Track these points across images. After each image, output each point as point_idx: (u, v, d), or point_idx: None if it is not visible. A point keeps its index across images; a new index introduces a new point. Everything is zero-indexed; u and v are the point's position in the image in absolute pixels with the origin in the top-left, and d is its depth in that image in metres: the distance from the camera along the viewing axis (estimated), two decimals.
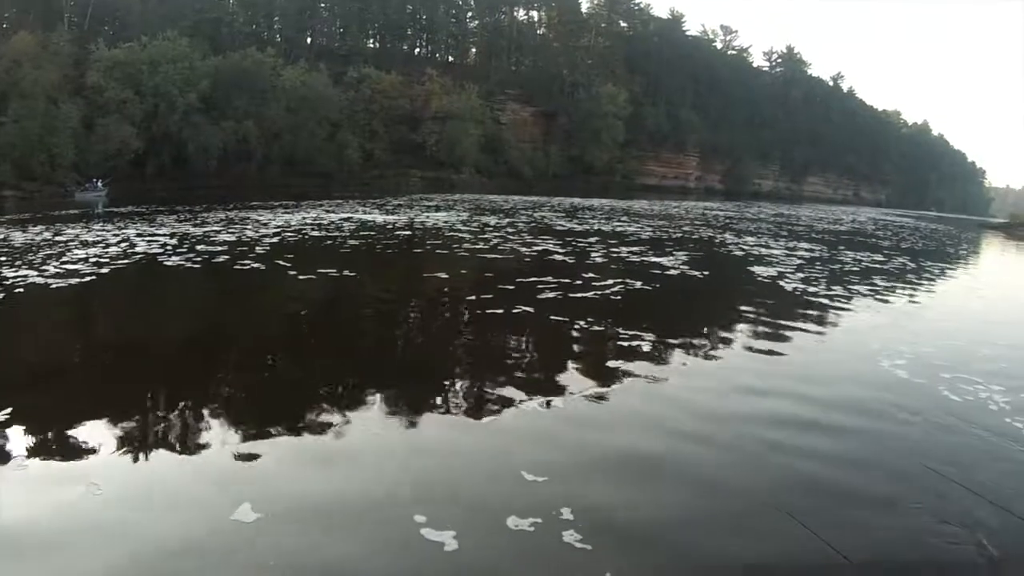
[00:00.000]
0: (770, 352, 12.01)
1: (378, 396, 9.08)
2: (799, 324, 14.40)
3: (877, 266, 26.27)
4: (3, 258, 18.57)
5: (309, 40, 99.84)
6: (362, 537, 5.70)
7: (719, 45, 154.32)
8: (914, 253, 34.24)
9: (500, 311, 14.20)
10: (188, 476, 6.65)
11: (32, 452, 7.05)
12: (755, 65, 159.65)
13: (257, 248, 21.72)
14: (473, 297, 15.80)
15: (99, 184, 50.68)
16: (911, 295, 19.96)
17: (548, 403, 8.85)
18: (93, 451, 7.14)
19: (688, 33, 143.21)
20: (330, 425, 7.96)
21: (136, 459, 7.02)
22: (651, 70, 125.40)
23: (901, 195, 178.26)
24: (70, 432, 7.58)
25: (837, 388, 10.08)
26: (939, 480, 6.97)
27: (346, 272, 18.11)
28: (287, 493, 6.30)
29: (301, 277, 17.24)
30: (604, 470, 6.99)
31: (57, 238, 23.46)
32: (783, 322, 14.44)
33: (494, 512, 5.99)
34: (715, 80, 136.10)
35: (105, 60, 62.13)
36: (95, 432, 7.61)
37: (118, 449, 7.20)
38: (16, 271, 16.49)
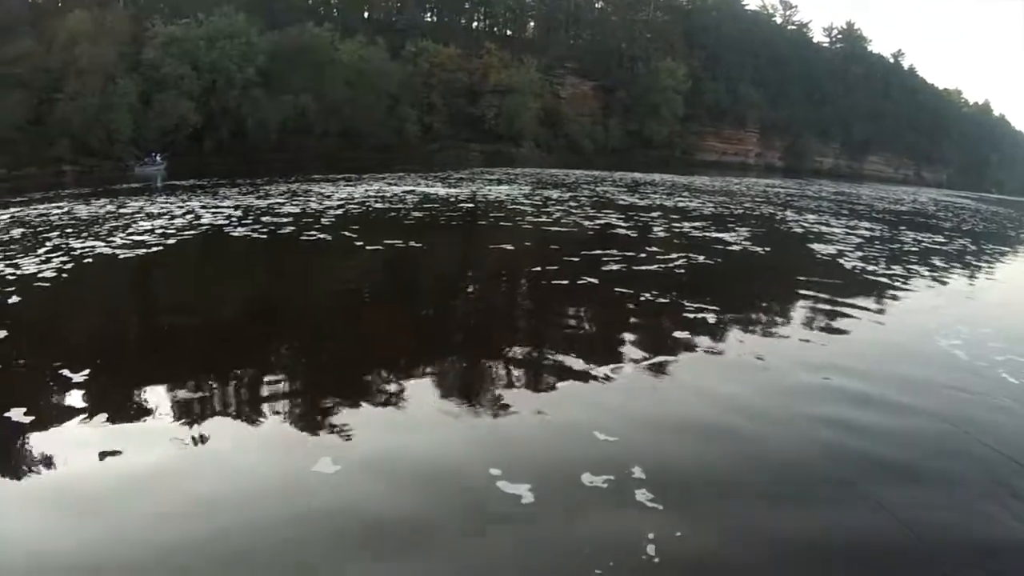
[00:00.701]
0: (828, 328, 11.86)
1: (448, 362, 9.39)
2: (858, 302, 14.04)
3: (938, 247, 25.59)
4: (70, 230, 18.89)
5: (366, 15, 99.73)
6: (440, 488, 5.89)
7: (779, 20, 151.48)
8: (975, 235, 33.32)
9: (565, 282, 14.25)
10: (268, 434, 6.88)
11: (121, 411, 7.27)
12: (815, 41, 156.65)
13: (322, 219, 21.83)
14: (538, 268, 15.75)
15: (158, 158, 51.25)
16: (971, 277, 19.57)
17: (615, 371, 8.91)
18: (187, 410, 7.36)
19: (747, 7, 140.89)
20: (403, 389, 8.09)
21: (222, 417, 7.22)
22: (710, 45, 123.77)
23: (962, 176, 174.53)
24: (169, 394, 7.90)
25: (893, 366, 9.82)
26: (994, 456, 6.89)
27: (412, 243, 18.13)
28: (364, 451, 6.49)
29: (368, 247, 17.37)
30: (670, 436, 7.08)
31: (121, 210, 23.81)
32: (842, 299, 14.12)
33: (569, 469, 6.12)
34: (774, 56, 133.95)
35: (162, 36, 62.48)
36: (187, 392, 7.92)
37: (208, 408, 7.44)
38: (83, 242, 16.75)
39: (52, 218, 21.65)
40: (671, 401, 8.06)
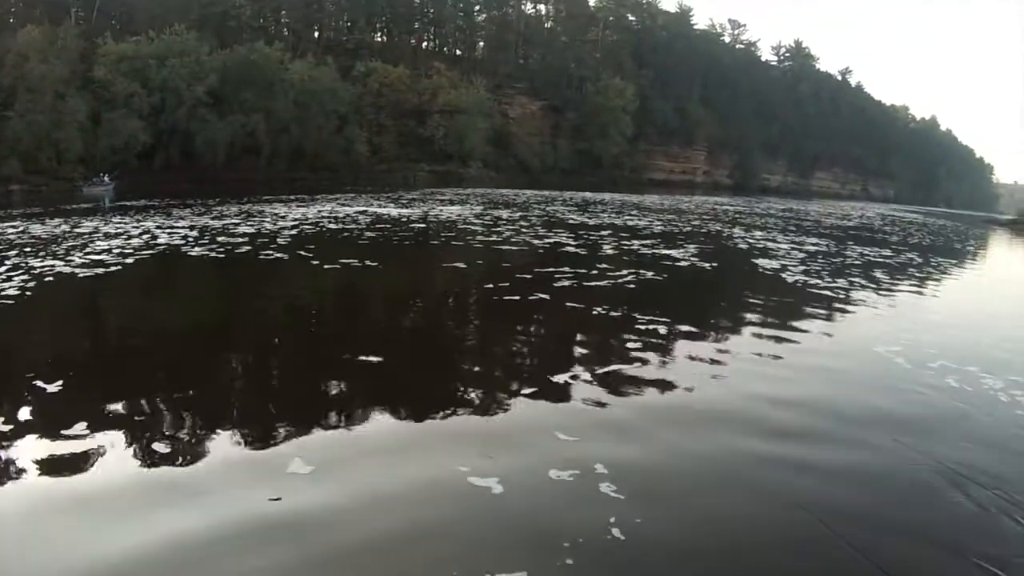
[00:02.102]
0: (776, 339, 12.33)
1: (408, 374, 9.68)
2: (803, 315, 14.75)
3: (885, 261, 26.47)
4: (28, 249, 18.94)
5: (316, 34, 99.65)
6: (413, 485, 6.23)
7: (727, 39, 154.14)
8: (922, 249, 34.37)
9: (517, 297, 14.72)
10: (225, 450, 6.99)
11: (86, 424, 7.43)
12: (763, 59, 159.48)
13: (278, 239, 22.07)
14: (490, 285, 16.17)
15: (106, 179, 50.90)
16: (917, 289, 20.36)
17: (571, 379, 9.38)
18: (145, 425, 7.72)
19: (696, 27, 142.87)
20: (375, 397, 8.47)
21: (181, 433, 7.51)
22: (659, 64, 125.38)
23: (909, 191, 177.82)
24: (130, 408, 8.12)
25: (833, 375, 10.39)
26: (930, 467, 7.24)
27: (367, 262, 18.48)
28: (341, 456, 6.80)
29: (326, 266, 17.70)
30: (624, 438, 7.46)
31: (77, 230, 23.85)
32: (787, 312, 14.99)
33: (535, 466, 6.60)
34: (723, 74, 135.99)
35: (112, 54, 62.21)
36: (147, 406, 8.25)
37: (165, 423, 7.74)
38: (42, 261, 16.86)
39: (8, 237, 21.63)
40: (623, 406, 8.48)
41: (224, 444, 6.99)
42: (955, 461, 7.13)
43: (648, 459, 6.98)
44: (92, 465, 6.46)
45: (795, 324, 13.60)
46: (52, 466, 6.42)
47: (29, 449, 6.71)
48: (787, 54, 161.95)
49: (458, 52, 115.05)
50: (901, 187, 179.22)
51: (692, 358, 10.75)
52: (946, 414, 8.80)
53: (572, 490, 6.16)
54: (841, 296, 17.07)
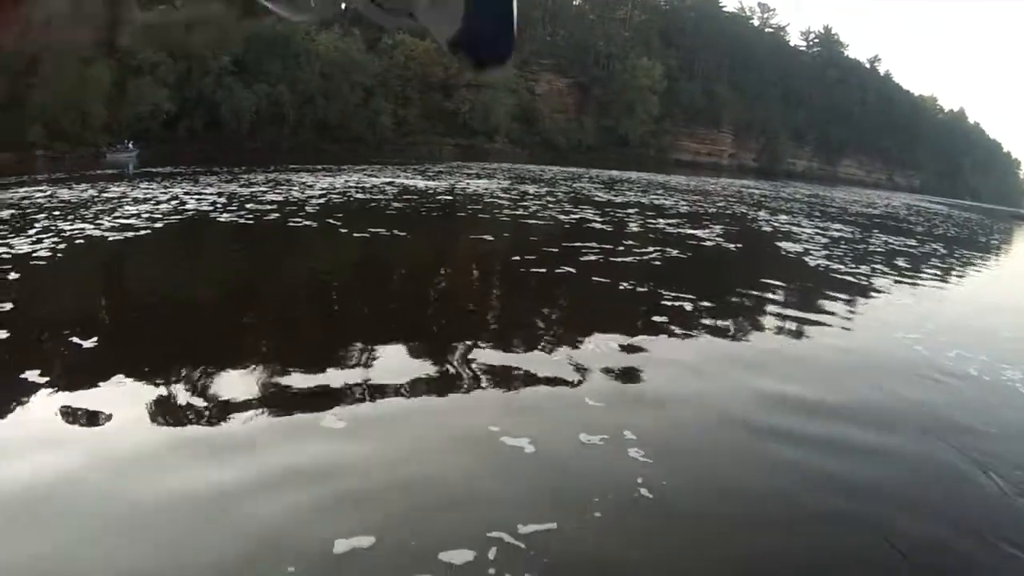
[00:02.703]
0: (798, 321, 12.38)
1: (439, 338, 9.94)
2: (825, 299, 14.77)
3: (909, 250, 26.32)
4: (56, 212, 19.06)
5: (343, 5, 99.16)
6: (448, 443, 6.46)
7: (756, 23, 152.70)
8: (946, 240, 34.11)
9: (544, 271, 14.85)
10: (254, 418, 7.05)
11: (127, 378, 7.68)
12: (792, 44, 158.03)
13: (306, 207, 22.15)
14: (518, 258, 16.22)
15: (130, 145, 51.04)
16: (941, 279, 20.22)
17: (599, 346, 9.61)
18: (182, 385, 7.83)
19: (725, 9, 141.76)
20: (405, 360, 8.62)
21: (214, 391, 7.63)
22: (687, 45, 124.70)
23: (934, 182, 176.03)
24: (166, 367, 8.30)
25: (854, 360, 10.42)
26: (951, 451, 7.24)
27: (395, 231, 18.54)
28: (372, 414, 6.98)
29: (355, 234, 17.82)
30: (652, 406, 7.67)
31: (104, 195, 23.96)
32: (809, 295, 15.10)
33: (566, 428, 6.78)
34: (751, 58, 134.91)
35: (138, 22, 61.88)
36: (182, 366, 8.33)
37: (200, 382, 7.92)
38: (72, 224, 16.98)
39: (37, 201, 21.80)
40: (650, 378, 8.60)
41: (258, 402, 7.11)
42: (977, 448, 7.14)
43: (674, 429, 7.15)
44: (131, 421, 6.63)
45: (817, 307, 13.66)
46: (84, 421, 6.54)
47: (58, 405, 6.82)
48: (816, 40, 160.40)
49: None
50: (927, 178, 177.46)
51: (716, 336, 10.90)
52: (968, 402, 8.80)
53: (601, 452, 6.32)
54: (864, 283, 17.05)
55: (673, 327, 10.97)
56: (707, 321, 11.74)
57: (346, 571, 4.50)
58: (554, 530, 5.04)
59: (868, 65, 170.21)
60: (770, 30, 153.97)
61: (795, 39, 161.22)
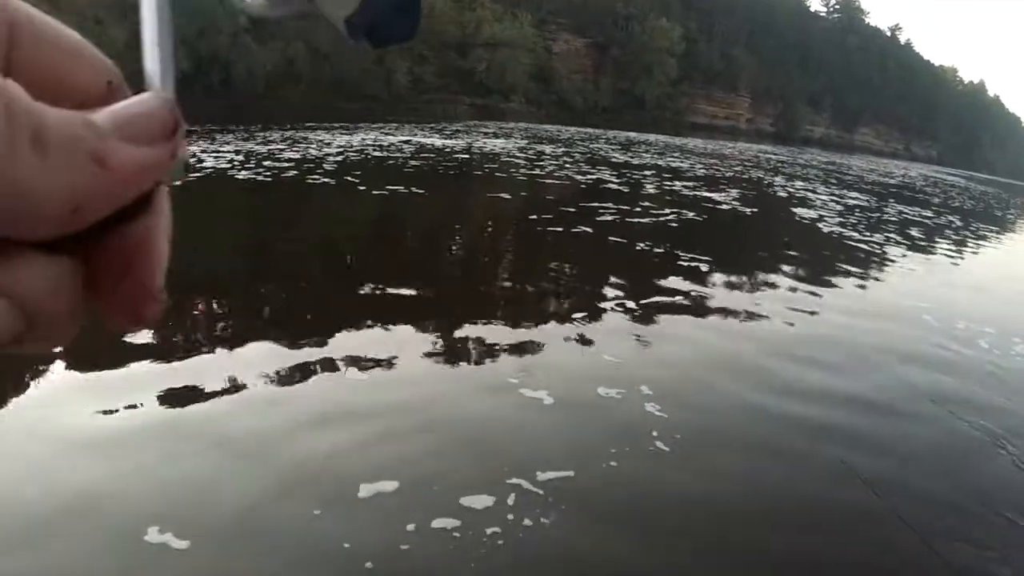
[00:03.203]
0: (810, 289, 12.40)
1: (461, 295, 10.13)
2: (838, 267, 14.86)
3: (924, 221, 26.21)
4: None
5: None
6: (466, 392, 6.68)
7: None
8: (963, 212, 33.93)
9: (560, 229, 14.98)
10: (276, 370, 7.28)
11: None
12: (812, 10, 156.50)
13: (324, 165, 22.14)
14: (535, 216, 16.36)
15: None
16: (956, 251, 20.25)
17: (616, 305, 9.75)
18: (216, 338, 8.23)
19: None
20: (423, 315, 8.75)
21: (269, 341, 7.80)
22: (706, 7, 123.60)
23: (952, 154, 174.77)
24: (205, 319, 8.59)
25: (868, 329, 10.44)
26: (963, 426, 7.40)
27: (414, 189, 18.59)
28: (393, 365, 7.07)
29: (373, 192, 17.85)
30: (668, 365, 7.81)
31: None
32: (823, 262, 15.19)
33: (583, 383, 6.99)
34: (771, 22, 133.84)
35: None
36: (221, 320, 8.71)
37: (239, 332, 8.29)
38: None
39: None
40: (667, 338, 8.77)
41: (286, 355, 7.24)
42: (988, 422, 7.22)
43: (688, 386, 7.29)
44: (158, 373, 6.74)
45: (829, 274, 13.77)
46: (130, 368, 6.69)
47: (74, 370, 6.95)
48: (837, 6, 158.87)
49: None
50: (944, 149, 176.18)
51: (730, 298, 11.04)
52: (978, 375, 8.83)
53: (617, 405, 6.49)
54: (877, 251, 17.11)
55: (689, 288, 11.13)
56: (722, 283, 11.88)
57: (370, 514, 4.65)
58: (571, 477, 5.21)
59: (889, 33, 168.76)
60: None
61: (815, 4, 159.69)
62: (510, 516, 4.70)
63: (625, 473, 5.38)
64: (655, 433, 5.97)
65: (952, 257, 18.71)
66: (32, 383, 6.20)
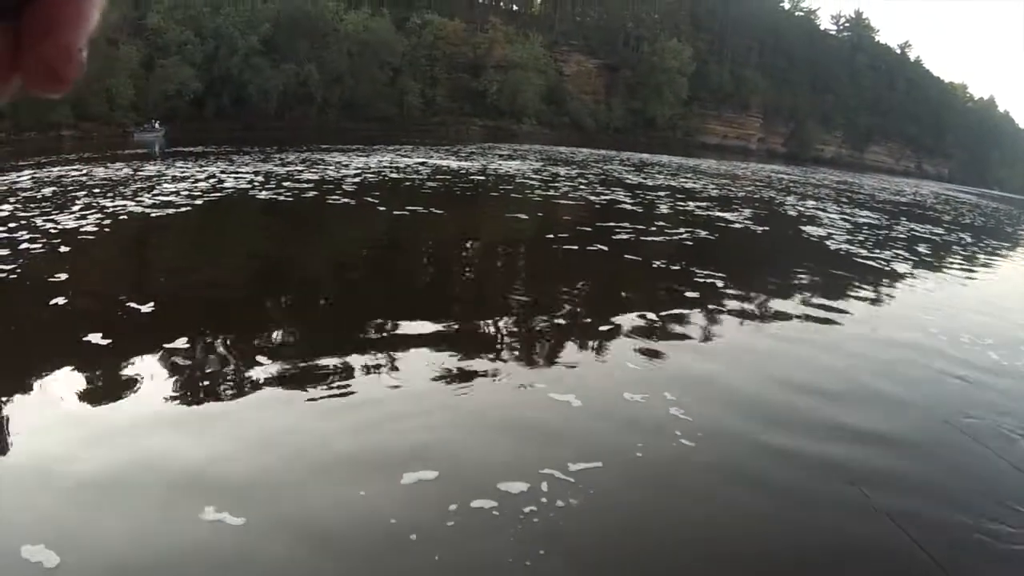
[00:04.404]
0: (823, 303, 12.53)
1: (482, 308, 10.56)
2: (849, 284, 14.94)
3: (935, 238, 26.17)
4: (96, 190, 19.38)
5: None
6: (498, 393, 7.22)
7: (787, 5, 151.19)
8: (974, 229, 33.90)
9: (576, 247, 15.33)
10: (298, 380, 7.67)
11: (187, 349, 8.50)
12: (822, 28, 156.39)
13: (343, 186, 22.52)
14: (551, 236, 16.71)
15: (156, 125, 51.21)
16: (968, 267, 20.14)
17: (639, 317, 10.13)
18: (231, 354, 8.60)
19: None
20: (450, 326, 9.14)
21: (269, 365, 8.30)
22: (716, 28, 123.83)
23: (963, 171, 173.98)
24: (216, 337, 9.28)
25: (877, 346, 10.51)
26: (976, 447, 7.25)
27: (432, 209, 18.89)
28: (422, 376, 7.49)
29: (394, 212, 18.20)
30: (695, 375, 8.18)
31: (140, 173, 24.30)
32: (833, 279, 15.25)
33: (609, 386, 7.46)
34: (781, 41, 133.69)
35: (166, 1, 62.72)
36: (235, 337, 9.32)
37: (249, 354, 8.76)
38: (113, 201, 17.34)
39: (75, 179, 22.16)
40: (687, 347, 9.20)
41: (336, 355, 7.66)
42: (993, 435, 7.28)
43: (710, 392, 7.61)
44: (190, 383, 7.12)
45: (841, 292, 13.91)
46: (148, 376, 7.17)
47: (120, 360, 7.27)
48: (846, 24, 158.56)
49: (515, 7, 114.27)
50: (955, 167, 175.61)
51: (745, 312, 11.43)
52: (985, 389, 8.76)
53: (642, 408, 6.91)
54: (887, 268, 17.19)
55: (705, 303, 11.49)
56: (736, 298, 12.17)
57: (414, 498, 5.12)
58: (600, 468, 5.64)
59: (898, 51, 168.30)
60: (800, 13, 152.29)
61: (825, 23, 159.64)
62: (543, 499, 5.14)
63: (650, 464, 5.84)
64: (678, 432, 6.36)
65: (964, 274, 18.70)
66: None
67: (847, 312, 11.98)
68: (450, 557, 4.55)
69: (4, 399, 6.47)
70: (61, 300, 9.32)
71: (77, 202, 17.10)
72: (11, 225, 13.96)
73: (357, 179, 24.91)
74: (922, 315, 12.30)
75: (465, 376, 7.45)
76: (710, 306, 11.28)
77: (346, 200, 19.41)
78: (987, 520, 5.61)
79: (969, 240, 27.76)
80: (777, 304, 12.21)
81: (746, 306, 11.80)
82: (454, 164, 35.38)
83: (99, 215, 15.34)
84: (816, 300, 12.64)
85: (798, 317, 11.34)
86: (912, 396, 8.21)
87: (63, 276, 10.44)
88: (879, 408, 7.60)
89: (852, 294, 13.65)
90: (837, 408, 7.42)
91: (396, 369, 7.46)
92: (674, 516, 5.33)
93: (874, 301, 13.52)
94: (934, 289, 15.46)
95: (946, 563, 4.97)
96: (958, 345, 10.63)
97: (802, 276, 15.02)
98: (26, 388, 6.76)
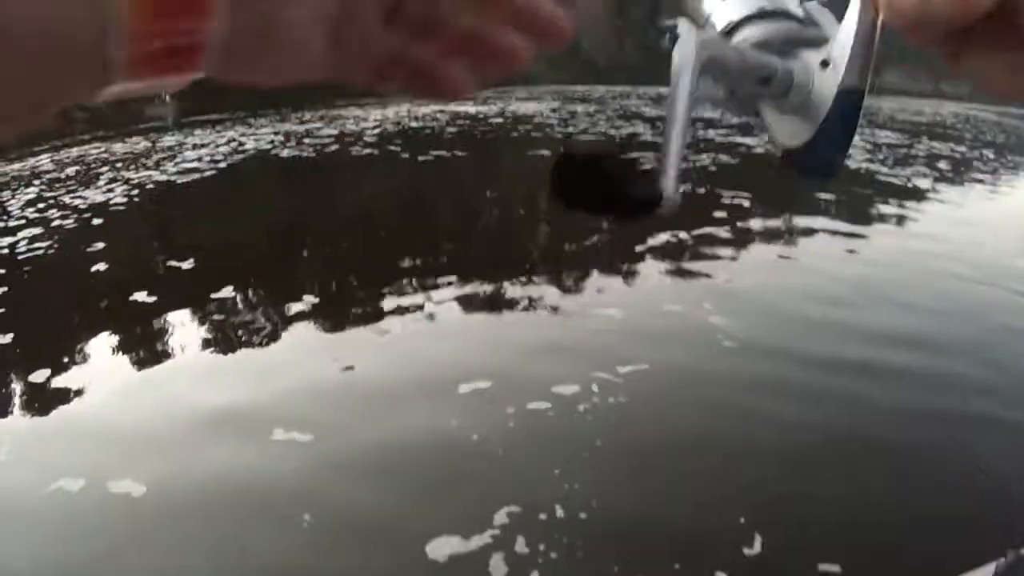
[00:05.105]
0: (848, 223, 12.38)
1: (518, 240, 11.18)
2: (872, 200, 14.69)
3: (954, 155, 25.57)
4: (119, 164, 19.42)
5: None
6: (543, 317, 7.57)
7: None
8: (996, 146, 33.09)
9: None
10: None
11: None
12: None
13: (364, 137, 22.40)
14: None
15: (167, 98, 50.59)
16: (991, 183, 19.38)
17: (674, 237, 10.32)
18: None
19: None
20: (485, 264, 9.65)
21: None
22: None
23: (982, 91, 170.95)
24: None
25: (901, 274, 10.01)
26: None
27: (456, 152, 18.78)
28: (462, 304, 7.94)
29: (419, 158, 18.14)
30: (722, 288, 8.49)
31: (159, 145, 24.14)
32: (857, 198, 14.85)
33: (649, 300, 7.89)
34: None
35: None
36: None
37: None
38: (137, 172, 17.40)
39: (95, 157, 22.14)
40: (721, 264, 9.45)
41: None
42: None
43: (746, 305, 7.80)
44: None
45: (864, 208, 13.84)
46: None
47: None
48: None
49: None
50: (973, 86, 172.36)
51: (772, 236, 11.62)
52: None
53: (682, 316, 7.31)
54: (909, 186, 16.69)
55: (733, 221, 11.67)
56: (762, 216, 12.38)
57: (472, 405, 5.57)
58: (646, 369, 5.98)
59: None
60: None
61: None
62: (595, 399, 5.51)
63: (695, 363, 6.24)
64: (719, 336, 6.68)
65: (987, 189, 18.17)
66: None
67: (873, 226, 12.09)
68: (511, 452, 5.01)
69: (60, 361, 6.70)
70: (102, 267, 9.50)
71: (101, 177, 17.18)
72: (40, 206, 14.16)
73: (377, 130, 24.86)
74: (950, 229, 12.12)
75: (503, 304, 7.80)
76: (739, 224, 11.45)
77: (369, 151, 19.45)
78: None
79: (991, 156, 27.24)
80: (803, 222, 12.23)
81: (771, 224, 12.02)
82: (472, 109, 35.09)
83: (125, 187, 15.45)
84: (840, 217, 12.64)
85: (825, 232, 11.39)
86: (952, 306, 8.12)
87: (100, 245, 10.62)
88: (918, 316, 7.64)
89: (875, 210, 13.61)
90: (874, 316, 7.56)
91: (430, 306, 7.78)
92: (717, 411, 5.64)
93: (899, 218, 13.34)
94: (961, 203, 15.21)
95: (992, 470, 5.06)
96: (986, 255, 10.40)
97: (824, 195, 14.81)
98: (78, 349, 7.01)
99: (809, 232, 11.42)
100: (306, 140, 22.12)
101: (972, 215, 13.75)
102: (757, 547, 4.33)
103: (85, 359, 7.13)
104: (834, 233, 11.27)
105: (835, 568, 4.19)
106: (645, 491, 4.83)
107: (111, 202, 13.98)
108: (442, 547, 4.31)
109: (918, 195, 15.73)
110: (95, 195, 14.77)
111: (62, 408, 6.25)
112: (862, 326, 7.17)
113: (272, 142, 22.35)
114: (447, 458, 5.00)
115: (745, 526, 4.48)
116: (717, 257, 9.65)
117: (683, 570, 4.17)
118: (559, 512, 4.55)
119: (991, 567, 1.44)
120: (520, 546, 4.33)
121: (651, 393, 5.68)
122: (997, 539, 4.02)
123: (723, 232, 10.84)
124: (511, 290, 8.14)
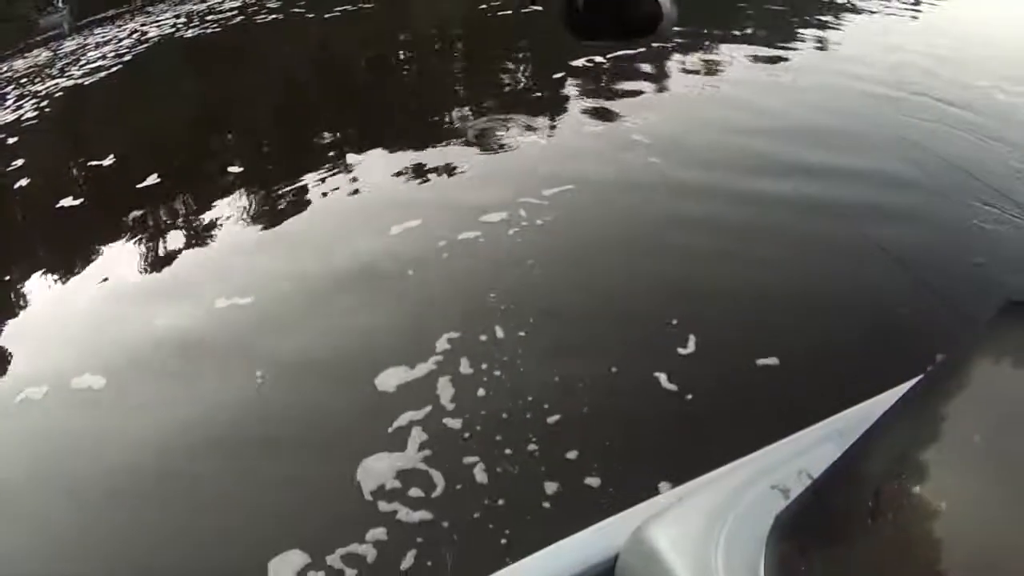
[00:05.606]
0: (768, 47, 11.49)
1: (436, 96, 11.12)
2: (792, 22, 13.29)
3: None
4: (23, 80, 18.70)
5: None
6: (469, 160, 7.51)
7: None
8: None
9: (509, 12, 14.79)
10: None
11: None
12: None
13: (267, 3, 21.47)
14: (484, 6, 15.66)
15: (60, 4, 48.51)
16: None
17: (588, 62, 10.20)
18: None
19: None
20: (408, 126, 9.77)
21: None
22: None
23: None
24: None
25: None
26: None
27: (362, 5, 18.05)
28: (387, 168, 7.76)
29: (325, 16, 17.50)
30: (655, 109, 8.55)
31: (61, 52, 23.28)
32: (777, 20, 13.66)
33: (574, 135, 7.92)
34: None
35: None
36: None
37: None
38: (44, 84, 16.79)
39: None
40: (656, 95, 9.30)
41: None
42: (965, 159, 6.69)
43: (673, 129, 7.79)
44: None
45: (787, 33, 12.40)
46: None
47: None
48: None
49: None
50: None
51: (693, 70, 10.65)
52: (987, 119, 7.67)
53: (608, 143, 7.37)
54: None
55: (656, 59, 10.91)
56: (683, 50, 11.35)
57: (406, 241, 5.83)
58: (572, 189, 6.20)
59: None
60: None
61: None
62: (523, 221, 5.76)
63: (617, 179, 6.41)
64: (644, 151, 6.85)
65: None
66: None
67: (794, 51, 11.02)
68: (446, 281, 5.28)
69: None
70: (24, 182, 9.32)
71: (8, 96, 16.58)
72: None
73: None
74: (870, 48, 11.02)
75: (426, 166, 7.57)
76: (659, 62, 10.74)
77: (274, 16, 18.79)
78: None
79: None
80: (723, 52, 11.25)
81: (692, 57, 11.01)
82: None
83: (34, 100, 14.96)
84: (760, 42, 11.63)
85: (747, 58, 10.70)
86: (871, 128, 7.48)
87: (20, 162, 10.39)
88: (840, 141, 7.13)
89: (797, 33, 12.20)
90: (797, 147, 6.99)
91: (355, 170, 7.79)
92: (635, 231, 5.74)
93: (819, 41, 11.79)
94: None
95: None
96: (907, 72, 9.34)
97: (746, 23, 13.31)
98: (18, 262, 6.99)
99: (727, 64, 10.55)
100: (209, 17, 21.33)
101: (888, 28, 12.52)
102: (691, 346, 4.46)
103: (22, 275, 7.09)
104: (754, 60, 10.44)
105: (773, 361, 4.28)
106: (577, 303, 4.97)
107: (23, 118, 13.55)
108: (390, 378, 4.47)
109: (836, 11, 14.21)
110: (5, 115, 14.29)
111: (11, 321, 6.34)
112: (781, 159, 6.67)
113: (175, 26, 21.57)
114: (385, 295, 5.23)
115: (678, 327, 4.60)
116: (640, 93, 9.15)
117: (619, 374, 4.30)
118: (498, 332, 4.71)
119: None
120: (464, 367, 4.49)
121: (575, 211, 5.86)
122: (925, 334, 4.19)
123: (644, 67, 10.36)
124: (436, 152, 7.84)
